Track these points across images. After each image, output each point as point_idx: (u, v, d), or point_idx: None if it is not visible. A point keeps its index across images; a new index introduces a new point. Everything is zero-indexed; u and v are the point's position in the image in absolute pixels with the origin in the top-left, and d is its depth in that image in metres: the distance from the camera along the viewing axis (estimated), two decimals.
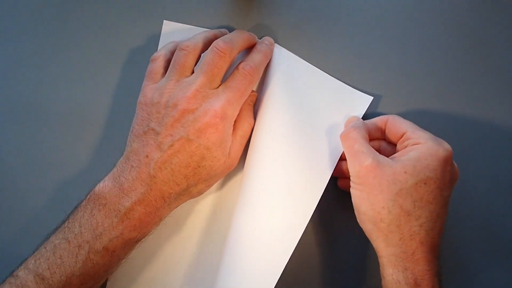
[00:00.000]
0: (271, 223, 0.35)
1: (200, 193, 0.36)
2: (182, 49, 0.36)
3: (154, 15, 0.42)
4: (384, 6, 0.42)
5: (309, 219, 0.35)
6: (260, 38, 0.41)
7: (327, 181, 0.37)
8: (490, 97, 0.40)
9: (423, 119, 0.40)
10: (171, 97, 0.34)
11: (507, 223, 0.39)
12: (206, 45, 0.37)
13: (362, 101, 0.40)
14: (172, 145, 0.33)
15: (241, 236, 0.36)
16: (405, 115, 0.40)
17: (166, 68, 0.37)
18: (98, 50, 0.42)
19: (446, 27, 0.41)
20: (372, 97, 0.40)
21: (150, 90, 0.35)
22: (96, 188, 0.34)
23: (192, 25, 0.42)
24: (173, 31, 0.42)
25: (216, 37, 0.37)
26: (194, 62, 0.36)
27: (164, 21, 0.42)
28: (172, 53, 0.37)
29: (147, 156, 0.33)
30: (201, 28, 0.41)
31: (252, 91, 0.39)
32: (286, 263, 0.34)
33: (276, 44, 0.40)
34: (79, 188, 0.40)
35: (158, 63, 0.37)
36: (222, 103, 0.34)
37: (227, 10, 0.42)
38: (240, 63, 0.36)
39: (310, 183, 0.36)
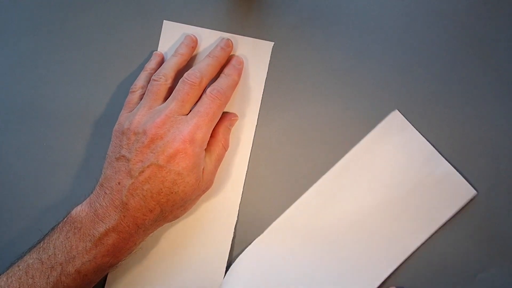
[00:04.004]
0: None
1: (176, 217, 0.37)
2: (155, 80, 0.37)
3: (154, 15, 0.42)
4: (384, 7, 0.42)
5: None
6: (260, 38, 0.41)
7: (412, 251, 0.38)
8: (490, 97, 0.40)
9: (422, 119, 0.40)
10: (141, 124, 0.35)
11: (507, 223, 0.39)
12: (178, 72, 0.38)
13: (465, 192, 0.39)
14: (142, 172, 0.33)
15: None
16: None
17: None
18: (98, 50, 0.42)
19: (446, 27, 0.41)
20: (475, 192, 0.39)
21: (123, 118, 0.37)
22: (73, 212, 0.34)
23: (192, 25, 0.42)
24: (173, 31, 0.42)
25: (184, 55, 0.39)
26: (166, 92, 0.37)
27: (164, 21, 0.42)
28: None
29: (119, 183, 0.34)
30: (201, 28, 0.41)
31: (234, 114, 0.40)
32: None
33: (397, 112, 0.40)
34: (79, 188, 0.41)
35: (136, 94, 0.38)
36: (191, 128, 0.34)
37: (227, 10, 0.42)
38: (207, 88, 0.37)
39: (391, 255, 0.38)
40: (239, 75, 0.40)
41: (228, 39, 0.40)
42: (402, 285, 0.39)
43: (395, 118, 0.40)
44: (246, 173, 0.40)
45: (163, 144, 0.33)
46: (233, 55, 0.41)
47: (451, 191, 0.39)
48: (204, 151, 0.36)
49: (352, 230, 0.39)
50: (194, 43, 0.40)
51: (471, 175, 0.40)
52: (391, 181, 0.39)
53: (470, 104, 0.40)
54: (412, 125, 0.40)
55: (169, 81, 0.37)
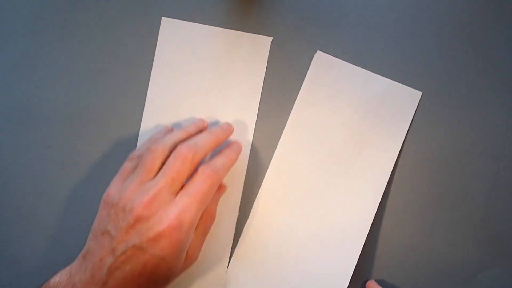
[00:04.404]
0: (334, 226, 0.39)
1: None
2: (151, 151, 0.34)
3: (153, 12, 0.42)
4: (384, 6, 0.42)
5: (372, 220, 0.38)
6: (260, 34, 0.41)
7: (388, 177, 0.39)
8: (490, 97, 0.40)
9: (423, 119, 0.40)
10: (129, 201, 0.33)
11: (507, 223, 0.39)
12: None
13: (412, 97, 0.40)
14: (125, 252, 0.32)
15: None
16: None
17: None
18: (97, 47, 0.42)
19: (446, 27, 0.41)
20: (421, 92, 0.40)
21: (114, 189, 0.34)
22: (52, 282, 0.33)
23: (191, 22, 0.42)
24: (172, 28, 0.42)
25: (191, 134, 0.37)
26: (161, 164, 0.34)
27: (163, 18, 0.42)
28: None
29: (101, 260, 0.32)
30: (201, 25, 0.41)
31: (223, 186, 0.38)
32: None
33: (320, 52, 0.40)
34: (79, 188, 0.40)
35: (132, 163, 0.36)
36: (178, 212, 0.32)
37: (226, 7, 0.42)
38: (200, 165, 0.34)
39: (371, 183, 0.39)
40: (237, 156, 0.37)
41: (230, 124, 0.39)
42: (401, 285, 0.39)
43: (320, 58, 0.41)
44: (247, 168, 0.40)
45: (148, 226, 0.32)
46: (235, 141, 0.38)
47: (399, 101, 0.40)
48: (190, 235, 0.34)
49: (328, 174, 0.40)
50: (203, 126, 0.39)
51: (471, 173, 0.40)
52: (343, 117, 0.40)
53: (470, 104, 0.40)
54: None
55: (166, 153, 0.35)
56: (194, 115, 0.41)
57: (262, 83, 0.41)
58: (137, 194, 0.33)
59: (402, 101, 0.40)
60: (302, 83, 0.41)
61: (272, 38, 0.41)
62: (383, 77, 0.40)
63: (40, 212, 0.40)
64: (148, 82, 0.41)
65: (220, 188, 0.38)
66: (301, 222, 0.39)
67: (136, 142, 0.41)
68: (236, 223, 0.40)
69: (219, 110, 0.41)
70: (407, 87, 0.40)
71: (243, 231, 0.40)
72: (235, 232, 0.40)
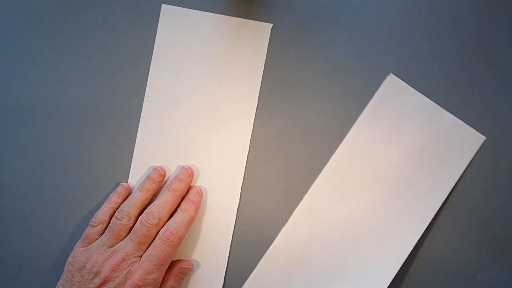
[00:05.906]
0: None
1: None
2: (118, 219, 0.37)
3: (153, 4, 0.42)
4: (384, 6, 0.42)
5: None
6: (261, 21, 0.41)
7: (437, 209, 0.39)
8: (490, 97, 0.40)
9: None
10: (96, 263, 0.35)
11: (507, 223, 0.39)
12: (143, 209, 0.38)
13: (474, 139, 0.40)
14: None
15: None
16: None
17: (101, 234, 0.38)
18: (96, 37, 0.41)
19: (446, 27, 0.41)
20: (484, 137, 0.39)
21: (80, 252, 0.37)
22: None
23: (191, 8, 0.41)
24: (172, 15, 0.41)
25: (150, 191, 0.39)
26: (127, 231, 0.37)
27: (163, 5, 0.41)
28: (111, 218, 0.38)
29: None
30: (201, 12, 0.41)
31: (189, 262, 0.39)
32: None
33: (392, 75, 0.40)
34: (80, 188, 0.41)
35: (94, 229, 0.38)
36: (141, 274, 0.35)
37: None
38: (161, 229, 0.37)
39: (416, 217, 0.39)
40: (197, 209, 0.39)
41: (187, 168, 0.40)
42: (402, 285, 0.39)
43: (392, 82, 0.41)
44: (246, 163, 0.40)
45: (114, 287, 0.34)
46: (192, 186, 0.40)
47: (460, 141, 0.40)
48: None
49: (374, 200, 0.39)
50: (161, 177, 0.39)
51: (471, 173, 0.40)
52: (401, 144, 0.40)
53: (470, 104, 0.40)
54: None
55: (132, 221, 0.37)
56: (194, 103, 0.41)
57: (263, 70, 0.41)
58: (105, 257, 0.35)
59: (464, 141, 0.39)
60: (368, 102, 0.40)
61: (272, 24, 0.41)
62: (451, 114, 0.40)
63: (40, 212, 0.40)
64: (148, 70, 0.41)
65: (183, 265, 0.39)
66: (335, 244, 0.39)
67: (135, 140, 0.41)
68: (234, 227, 0.40)
69: (219, 98, 0.41)
70: (472, 129, 0.40)
71: (278, 236, 0.39)
72: (233, 232, 0.40)
